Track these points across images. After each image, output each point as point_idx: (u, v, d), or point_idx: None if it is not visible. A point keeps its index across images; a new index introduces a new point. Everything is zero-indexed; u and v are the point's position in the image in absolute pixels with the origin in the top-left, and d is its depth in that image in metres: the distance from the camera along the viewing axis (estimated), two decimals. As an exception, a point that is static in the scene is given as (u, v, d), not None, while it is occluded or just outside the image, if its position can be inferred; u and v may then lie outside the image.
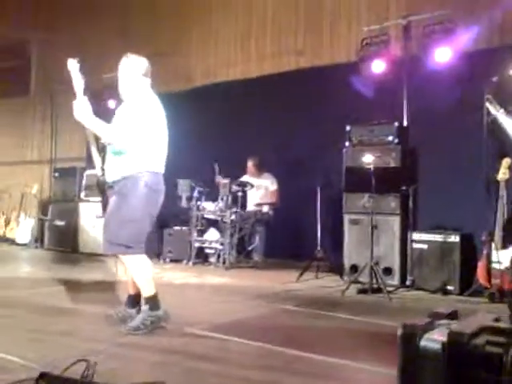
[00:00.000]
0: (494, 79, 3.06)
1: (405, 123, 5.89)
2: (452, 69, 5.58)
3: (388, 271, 5.29)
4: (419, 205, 5.58)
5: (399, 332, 1.48)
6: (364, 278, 4.98)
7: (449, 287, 4.94)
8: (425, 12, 5.89)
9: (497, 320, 1.48)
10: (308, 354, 2.91)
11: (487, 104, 2.63)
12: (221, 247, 6.24)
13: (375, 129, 5.60)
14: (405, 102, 5.97)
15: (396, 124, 5.54)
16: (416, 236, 5.20)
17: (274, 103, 7.02)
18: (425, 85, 5.73)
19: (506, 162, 4.75)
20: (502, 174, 4.72)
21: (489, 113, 2.68)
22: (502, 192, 4.74)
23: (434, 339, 1.43)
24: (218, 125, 7.48)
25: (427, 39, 5.79)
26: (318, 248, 5.61)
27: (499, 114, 2.59)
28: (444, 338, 1.41)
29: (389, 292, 4.75)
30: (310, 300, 4.62)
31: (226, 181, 6.22)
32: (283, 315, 4.01)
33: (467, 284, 4.89)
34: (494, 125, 2.56)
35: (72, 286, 4.76)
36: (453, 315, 1.58)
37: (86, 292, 4.76)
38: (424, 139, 5.71)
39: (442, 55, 5.63)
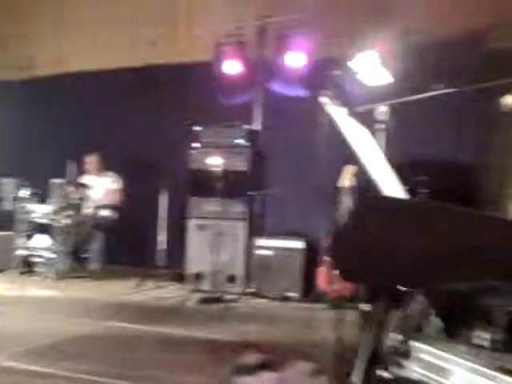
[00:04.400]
0: (337, 73, 2.78)
1: (256, 127, 5.75)
2: (303, 75, 5.56)
3: (232, 279, 5.06)
4: (267, 211, 5.44)
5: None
6: (208, 286, 4.69)
7: (290, 294, 4.83)
8: (280, 15, 5.82)
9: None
10: None
11: (324, 99, 2.25)
12: (52, 255, 5.48)
13: (224, 131, 5.35)
14: (257, 106, 5.85)
15: (246, 127, 5.37)
16: (259, 242, 5.04)
17: (124, 99, 6.46)
18: (277, 90, 5.65)
19: (349, 168, 4.74)
20: (348, 181, 4.69)
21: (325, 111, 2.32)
22: (346, 198, 4.72)
23: None
24: (60, 119, 6.75)
25: (281, 43, 5.72)
26: (161, 255, 5.18)
27: (336, 111, 2.22)
28: None
29: (231, 301, 4.53)
30: (143, 313, 4.18)
31: (61, 181, 5.49)
32: (105, 335, 3.50)
33: (309, 290, 4.83)
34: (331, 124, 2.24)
35: None
36: (265, 365, 1.18)
37: None
38: (274, 145, 5.63)
39: (293, 60, 5.59)
